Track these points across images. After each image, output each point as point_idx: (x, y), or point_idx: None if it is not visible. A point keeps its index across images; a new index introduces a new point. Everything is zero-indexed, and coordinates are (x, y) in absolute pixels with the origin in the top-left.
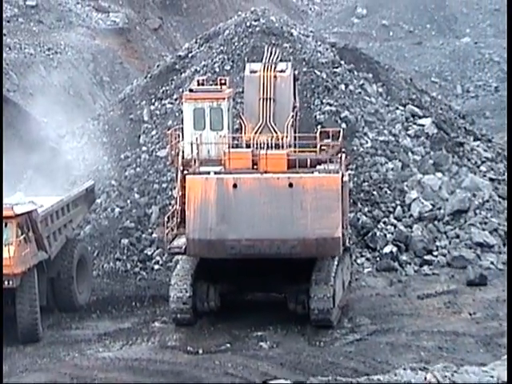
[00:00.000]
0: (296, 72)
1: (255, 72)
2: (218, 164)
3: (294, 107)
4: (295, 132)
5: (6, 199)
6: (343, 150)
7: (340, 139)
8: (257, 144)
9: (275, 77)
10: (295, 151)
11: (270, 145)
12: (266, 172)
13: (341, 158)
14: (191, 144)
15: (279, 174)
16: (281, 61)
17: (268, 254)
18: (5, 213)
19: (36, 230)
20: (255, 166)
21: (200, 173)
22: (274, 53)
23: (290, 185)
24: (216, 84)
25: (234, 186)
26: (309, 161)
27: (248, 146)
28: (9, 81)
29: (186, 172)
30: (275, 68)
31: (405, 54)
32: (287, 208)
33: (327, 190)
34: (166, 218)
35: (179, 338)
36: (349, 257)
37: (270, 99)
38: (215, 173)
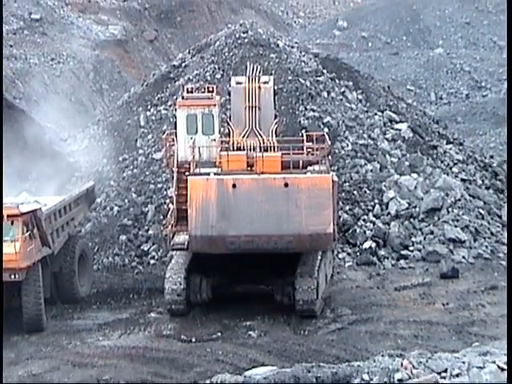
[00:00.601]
0: (276, 87)
1: (240, 83)
2: (210, 166)
3: (275, 115)
4: (277, 136)
5: (13, 199)
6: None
7: (328, 142)
8: (245, 147)
9: (259, 87)
10: (288, 153)
11: (260, 148)
12: (262, 173)
13: (329, 159)
14: (192, 147)
15: (275, 174)
16: (263, 75)
17: (266, 248)
18: (11, 211)
19: (40, 227)
20: (249, 168)
21: (201, 174)
22: (256, 68)
23: (286, 184)
24: (204, 91)
25: (234, 186)
26: (301, 162)
27: (238, 149)
28: (15, 89)
29: (186, 173)
30: (259, 80)
31: (382, 64)
32: (283, 206)
33: (320, 189)
34: (164, 217)
35: (173, 328)
36: (331, 252)
37: (255, 107)
38: (215, 174)
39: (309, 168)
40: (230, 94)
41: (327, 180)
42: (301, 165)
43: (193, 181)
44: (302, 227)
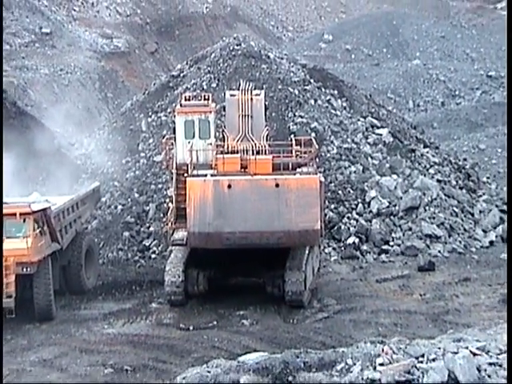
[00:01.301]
0: (266, 97)
1: (234, 96)
2: (207, 168)
3: (266, 125)
4: (267, 141)
5: (24, 198)
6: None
7: (316, 146)
8: (238, 151)
9: (251, 99)
10: (279, 156)
11: (252, 151)
12: (255, 174)
13: (316, 162)
14: (190, 151)
15: (267, 175)
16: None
17: (258, 244)
18: (23, 210)
19: (50, 224)
20: (243, 169)
21: (198, 175)
22: (248, 83)
23: (277, 185)
24: (201, 99)
25: (229, 186)
26: (290, 164)
27: (232, 152)
28: (27, 97)
29: (184, 175)
30: (251, 92)
31: (365, 74)
32: (274, 205)
33: (308, 189)
34: (164, 215)
35: (173, 317)
36: (318, 247)
37: (248, 116)
38: (212, 175)
39: (298, 170)
40: (224, 110)
41: (315, 181)
42: (290, 167)
43: (191, 182)
44: (292, 224)
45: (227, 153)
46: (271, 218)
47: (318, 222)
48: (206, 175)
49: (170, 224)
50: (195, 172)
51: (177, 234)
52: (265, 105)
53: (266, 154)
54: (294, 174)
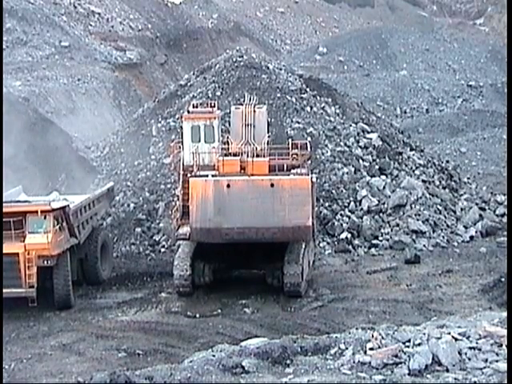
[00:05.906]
0: (269, 119)
1: (239, 108)
2: (211, 169)
3: (269, 135)
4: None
5: (45, 197)
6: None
7: (308, 150)
8: (241, 153)
9: (254, 111)
10: (274, 159)
11: (252, 154)
12: (252, 175)
13: (309, 164)
14: (193, 153)
15: (263, 176)
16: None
17: (254, 239)
18: (44, 207)
19: (68, 221)
20: (242, 170)
21: (200, 176)
22: (252, 98)
23: (272, 185)
24: (206, 107)
25: (228, 186)
26: (285, 166)
27: (234, 155)
28: (47, 105)
29: (189, 175)
30: (255, 105)
31: (356, 84)
32: (269, 203)
33: (300, 189)
34: (170, 212)
35: (181, 305)
36: (313, 241)
37: (250, 125)
38: (212, 176)
39: (292, 171)
40: (228, 116)
41: (307, 181)
42: (285, 168)
43: (193, 181)
44: (285, 221)
45: (229, 155)
46: (266, 215)
47: (309, 218)
48: (207, 175)
49: (176, 220)
50: (198, 173)
51: (181, 229)
52: (268, 120)
53: (263, 156)
54: (288, 175)
